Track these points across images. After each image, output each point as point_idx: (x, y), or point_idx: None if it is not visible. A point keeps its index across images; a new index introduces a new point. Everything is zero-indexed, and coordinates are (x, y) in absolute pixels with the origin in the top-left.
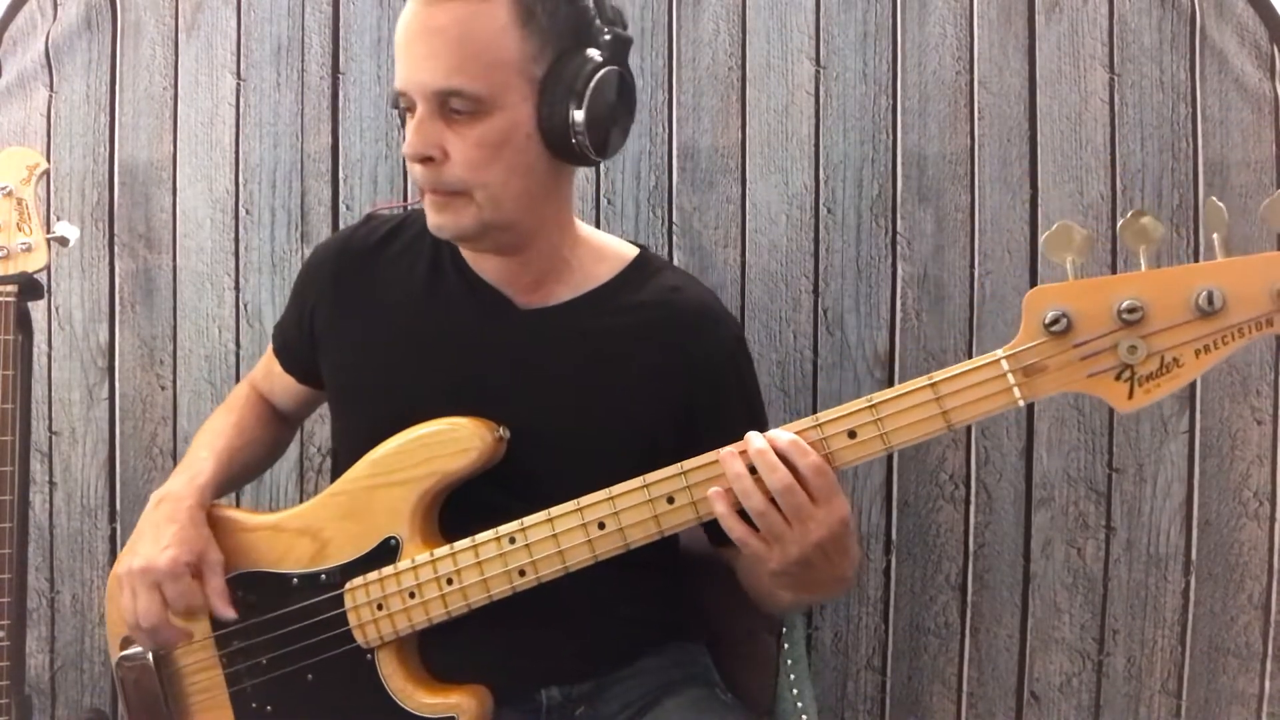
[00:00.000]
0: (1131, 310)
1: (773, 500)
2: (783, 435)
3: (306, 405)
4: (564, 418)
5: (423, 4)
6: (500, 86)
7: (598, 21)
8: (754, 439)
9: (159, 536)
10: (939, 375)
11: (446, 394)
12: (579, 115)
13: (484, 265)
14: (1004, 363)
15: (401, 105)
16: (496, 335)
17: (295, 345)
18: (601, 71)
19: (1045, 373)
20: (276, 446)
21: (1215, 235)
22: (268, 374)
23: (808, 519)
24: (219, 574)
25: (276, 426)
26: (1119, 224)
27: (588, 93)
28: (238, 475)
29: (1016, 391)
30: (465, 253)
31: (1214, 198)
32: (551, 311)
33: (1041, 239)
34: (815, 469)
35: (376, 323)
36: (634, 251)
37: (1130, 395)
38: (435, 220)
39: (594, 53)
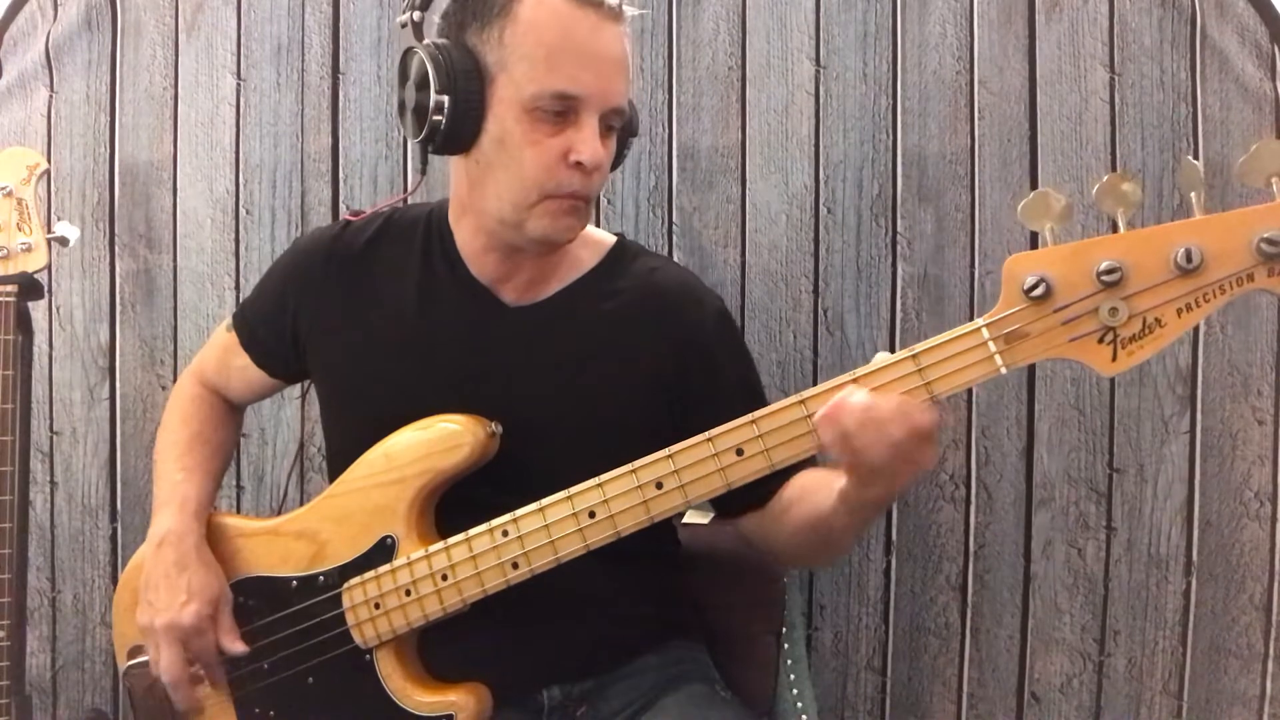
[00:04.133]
0: (1110, 272)
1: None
2: (886, 400)
3: (264, 395)
4: (557, 411)
5: (605, 22)
6: None
7: None
8: (857, 394)
9: (175, 587)
10: (920, 346)
11: (440, 393)
12: (630, 141)
13: (484, 264)
14: (984, 330)
15: (554, 108)
16: (487, 334)
17: (270, 342)
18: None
19: (1027, 339)
20: (235, 441)
21: (1193, 194)
22: (223, 367)
23: (924, 455)
24: (229, 611)
25: (232, 423)
26: (1095, 187)
27: (637, 126)
28: (214, 484)
29: (998, 359)
30: (464, 252)
31: (1189, 156)
32: (539, 307)
33: (1019, 207)
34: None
35: (369, 324)
36: (612, 239)
37: (1114, 358)
38: (562, 223)
39: None
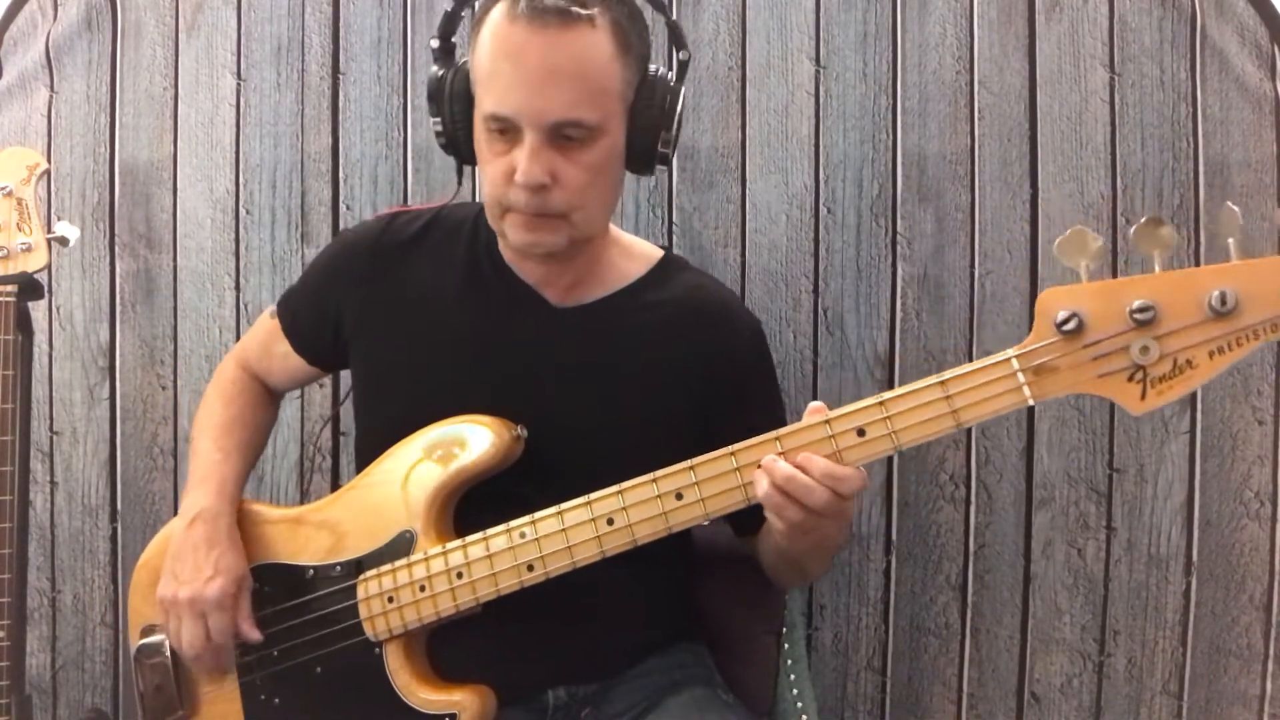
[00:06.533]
0: (1143, 310)
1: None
2: (817, 461)
3: (305, 382)
4: (590, 414)
5: (535, 34)
6: (608, 113)
7: (674, 45)
8: (780, 467)
9: (201, 562)
10: (949, 374)
11: (480, 390)
12: (668, 135)
13: (524, 266)
14: (1014, 362)
15: (495, 127)
16: (532, 334)
17: (311, 331)
18: (681, 93)
19: (1056, 373)
20: (272, 426)
21: (1230, 240)
22: (266, 353)
23: (846, 511)
24: (249, 597)
25: (271, 408)
26: (1133, 228)
27: (676, 114)
28: (249, 468)
29: (1026, 391)
30: (505, 253)
31: (1230, 203)
32: (584, 310)
33: (1055, 243)
34: (830, 474)
35: (412, 319)
36: (660, 252)
37: (1143, 396)
38: (527, 238)
39: (668, 74)
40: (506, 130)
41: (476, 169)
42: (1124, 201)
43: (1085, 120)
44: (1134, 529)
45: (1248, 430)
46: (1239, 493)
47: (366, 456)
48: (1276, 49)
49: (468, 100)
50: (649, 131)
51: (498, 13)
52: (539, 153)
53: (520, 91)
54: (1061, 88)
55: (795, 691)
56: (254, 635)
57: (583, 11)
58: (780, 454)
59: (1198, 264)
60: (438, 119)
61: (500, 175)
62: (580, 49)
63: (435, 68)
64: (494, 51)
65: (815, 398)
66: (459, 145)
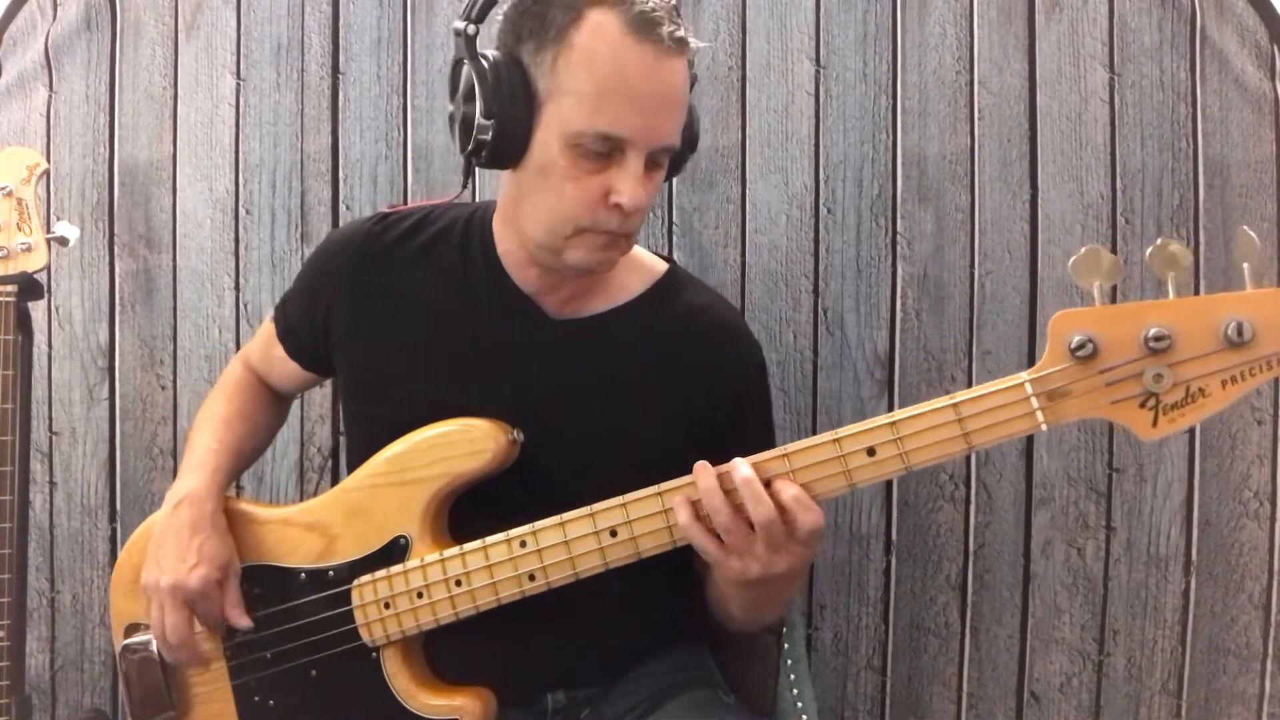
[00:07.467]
0: (1159, 338)
1: (744, 519)
2: (790, 488)
3: (305, 386)
4: (589, 426)
5: (662, 59)
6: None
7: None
8: (740, 467)
9: (184, 550)
10: (961, 396)
11: (471, 396)
12: (692, 155)
13: (526, 275)
14: (1028, 385)
15: (596, 146)
16: (528, 343)
17: (304, 337)
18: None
19: (1069, 398)
20: (276, 427)
21: (1246, 265)
22: (266, 356)
23: (782, 549)
24: (237, 583)
25: (276, 408)
26: (1149, 251)
27: (698, 134)
28: (245, 463)
29: (1039, 415)
30: (506, 261)
31: (1245, 227)
32: (583, 323)
33: (1069, 262)
34: (800, 501)
35: (400, 321)
36: (663, 266)
37: (1154, 424)
38: (600, 257)
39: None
40: (606, 151)
41: (479, 171)
42: (1124, 202)
43: (1085, 120)
44: (1133, 529)
45: (1247, 430)
46: (1238, 492)
47: (356, 456)
48: (1276, 49)
49: (530, 102)
50: (681, 153)
51: (611, 30)
52: (642, 176)
53: (642, 114)
54: (1061, 88)
55: (795, 691)
56: (244, 622)
57: (692, 42)
58: (790, 472)
59: (1197, 265)
60: (489, 120)
61: (591, 196)
62: (683, 77)
63: (482, 54)
64: (613, 67)
65: (815, 397)
66: (504, 148)
